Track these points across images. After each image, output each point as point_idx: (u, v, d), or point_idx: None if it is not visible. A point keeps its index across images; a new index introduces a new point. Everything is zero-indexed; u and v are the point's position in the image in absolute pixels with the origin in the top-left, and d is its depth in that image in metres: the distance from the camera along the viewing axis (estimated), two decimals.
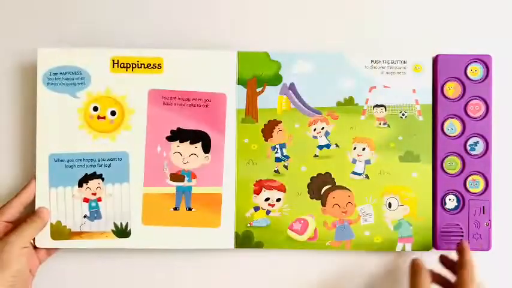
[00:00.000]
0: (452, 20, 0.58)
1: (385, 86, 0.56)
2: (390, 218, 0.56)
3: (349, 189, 0.56)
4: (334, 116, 0.56)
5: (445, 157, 0.55)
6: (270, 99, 0.56)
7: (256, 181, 0.56)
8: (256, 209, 0.55)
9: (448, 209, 0.55)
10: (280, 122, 0.56)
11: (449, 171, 0.55)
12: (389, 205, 0.56)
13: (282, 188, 0.56)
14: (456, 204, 0.55)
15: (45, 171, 0.54)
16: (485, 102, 0.55)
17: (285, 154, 0.56)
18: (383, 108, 0.56)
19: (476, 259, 0.55)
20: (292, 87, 0.56)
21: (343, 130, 0.56)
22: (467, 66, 0.55)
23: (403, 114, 0.56)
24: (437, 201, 0.55)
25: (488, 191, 0.55)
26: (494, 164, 0.55)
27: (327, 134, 0.56)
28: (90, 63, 0.55)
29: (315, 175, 0.56)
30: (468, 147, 0.55)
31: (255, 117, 0.56)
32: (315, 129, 0.56)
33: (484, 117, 0.55)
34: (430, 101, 0.55)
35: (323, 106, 0.56)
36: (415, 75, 0.56)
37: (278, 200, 0.56)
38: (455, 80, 0.55)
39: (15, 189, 0.56)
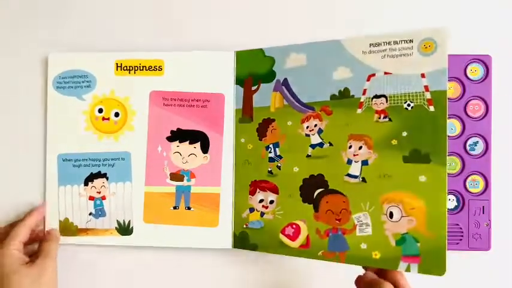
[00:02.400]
0: (452, 20, 0.54)
1: (385, 73, 0.43)
2: (391, 231, 0.43)
3: (343, 194, 0.45)
4: (327, 111, 0.46)
5: None
6: (264, 97, 0.49)
7: (252, 182, 0.49)
8: (251, 210, 0.50)
9: (448, 209, 0.51)
10: (273, 120, 0.49)
11: (449, 171, 0.51)
12: (391, 215, 0.43)
13: (275, 190, 0.48)
14: (456, 204, 0.51)
15: (54, 170, 0.52)
16: (485, 102, 0.51)
17: (278, 154, 0.49)
18: (383, 98, 0.43)
19: (476, 259, 0.52)
20: (285, 82, 0.48)
21: (337, 127, 0.46)
22: (467, 66, 0.51)
23: (408, 105, 0.42)
24: None
25: (488, 191, 0.51)
26: (494, 164, 0.51)
27: (319, 131, 0.46)
28: (96, 67, 0.52)
29: (308, 177, 0.47)
30: (468, 147, 0.51)
31: (251, 116, 0.50)
32: (307, 127, 0.47)
33: (483, 117, 0.51)
34: (444, 87, 0.41)
35: (316, 101, 0.47)
36: (424, 56, 0.42)
37: (271, 202, 0.49)
38: (455, 80, 0.51)
39: (26, 189, 0.53)
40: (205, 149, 0.51)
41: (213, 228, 0.51)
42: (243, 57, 0.50)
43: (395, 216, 0.42)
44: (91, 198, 0.52)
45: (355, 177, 0.44)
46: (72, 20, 0.55)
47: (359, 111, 0.44)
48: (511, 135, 0.53)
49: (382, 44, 0.43)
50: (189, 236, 0.51)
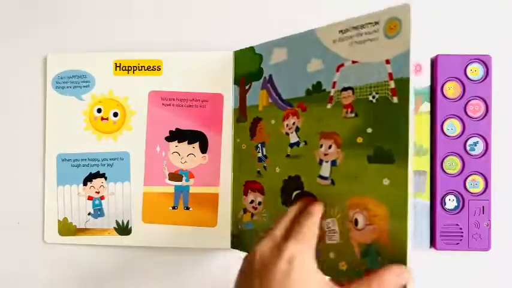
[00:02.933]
0: (452, 20, 0.53)
1: (353, 62, 0.37)
2: (357, 240, 0.36)
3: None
4: (303, 108, 0.41)
5: (445, 157, 0.50)
6: (255, 95, 0.47)
7: (245, 182, 0.48)
8: (245, 211, 0.48)
9: (448, 209, 0.50)
10: (261, 119, 0.46)
11: (449, 172, 0.50)
12: (356, 222, 0.36)
13: (262, 191, 0.46)
14: (456, 204, 0.50)
15: (54, 170, 0.52)
16: (485, 102, 0.50)
17: (264, 154, 0.46)
18: (350, 91, 0.37)
19: (476, 259, 0.51)
20: (270, 79, 0.45)
21: (310, 124, 0.40)
22: (467, 66, 0.50)
23: (373, 97, 0.35)
24: (436, 202, 0.50)
25: (488, 191, 0.49)
26: (494, 164, 0.50)
27: (297, 129, 0.42)
28: (95, 67, 0.52)
29: (287, 178, 0.42)
30: (468, 147, 0.50)
31: (245, 116, 0.48)
32: (287, 125, 0.43)
33: (483, 117, 0.50)
34: (407, 74, 0.33)
35: (294, 97, 0.42)
36: (389, 39, 0.34)
37: (259, 203, 0.46)
38: (455, 80, 0.50)
39: (25, 188, 0.53)
40: (204, 149, 0.50)
41: (211, 228, 0.50)
42: (239, 57, 0.49)
43: (360, 224, 0.35)
44: (90, 198, 0.51)
45: (326, 178, 0.39)
46: (71, 20, 0.54)
47: (329, 106, 0.38)
48: (511, 135, 0.52)
49: (351, 29, 0.37)
50: (188, 236, 0.50)
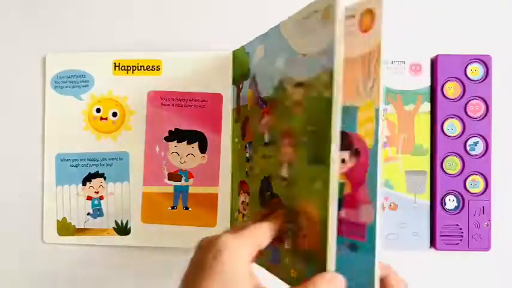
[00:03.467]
0: (452, 20, 0.53)
1: (303, 55, 0.33)
2: (302, 246, 0.33)
3: (280, 199, 0.36)
4: (273, 106, 0.38)
5: (445, 157, 0.50)
6: (245, 95, 0.45)
7: (239, 182, 0.47)
8: (239, 211, 0.48)
9: (448, 209, 0.50)
10: (249, 118, 0.44)
11: (449, 172, 0.50)
12: (301, 227, 0.33)
13: (248, 191, 0.44)
14: (456, 204, 0.50)
15: (53, 170, 0.52)
16: (485, 102, 0.50)
17: (251, 154, 0.44)
18: (301, 87, 0.33)
19: (476, 259, 0.51)
20: (254, 78, 0.43)
21: (276, 122, 0.37)
22: (467, 66, 0.50)
23: (314, 92, 0.32)
24: (436, 202, 0.49)
25: (488, 191, 0.49)
26: (494, 164, 0.50)
27: (269, 129, 0.39)
28: (94, 67, 0.51)
29: (263, 178, 0.40)
30: (468, 148, 0.50)
31: (239, 115, 0.48)
32: (263, 124, 0.40)
33: (484, 117, 0.50)
34: (329, 65, 0.29)
35: (267, 95, 0.39)
36: (323, 28, 0.30)
37: (247, 204, 0.45)
38: (455, 80, 0.50)
39: (24, 188, 0.53)
40: (203, 149, 0.50)
41: (211, 228, 0.50)
42: (236, 57, 0.49)
43: (304, 230, 0.32)
44: (89, 198, 0.51)
45: (285, 179, 0.35)
46: (70, 20, 0.54)
47: (287, 103, 0.35)
48: (511, 135, 0.51)
49: (301, 20, 0.33)
50: (187, 236, 0.50)
